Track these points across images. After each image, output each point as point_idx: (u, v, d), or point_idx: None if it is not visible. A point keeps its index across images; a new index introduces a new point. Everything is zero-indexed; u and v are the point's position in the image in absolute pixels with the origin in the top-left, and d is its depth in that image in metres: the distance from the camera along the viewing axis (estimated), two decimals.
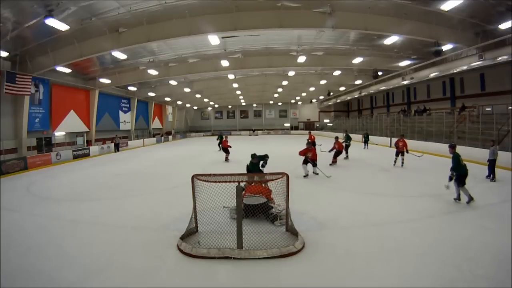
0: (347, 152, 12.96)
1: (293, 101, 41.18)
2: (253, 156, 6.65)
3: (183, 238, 3.99)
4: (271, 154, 7.41)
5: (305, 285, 3.00)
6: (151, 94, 26.05)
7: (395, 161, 10.72)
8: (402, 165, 10.41)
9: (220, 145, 15.50)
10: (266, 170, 6.74)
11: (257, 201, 4.96)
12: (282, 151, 16.50)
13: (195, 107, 43.20)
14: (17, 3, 8.51)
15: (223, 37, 12.95)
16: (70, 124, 18.87)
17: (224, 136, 15.95)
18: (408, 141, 16.56)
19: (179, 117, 41.27)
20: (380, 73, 18.98)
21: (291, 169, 7.69)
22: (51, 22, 8.79)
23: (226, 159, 13.29)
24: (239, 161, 11.85)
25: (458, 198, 5.83)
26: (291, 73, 20.59)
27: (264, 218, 4.86)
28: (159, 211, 5.62)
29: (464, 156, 11.35)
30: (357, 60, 15.72)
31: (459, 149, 11.96)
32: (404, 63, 16.83)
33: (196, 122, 45.74)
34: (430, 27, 11.17)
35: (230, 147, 13.67)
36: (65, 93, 18.21)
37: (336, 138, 11.32)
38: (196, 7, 10.10)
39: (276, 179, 4.14)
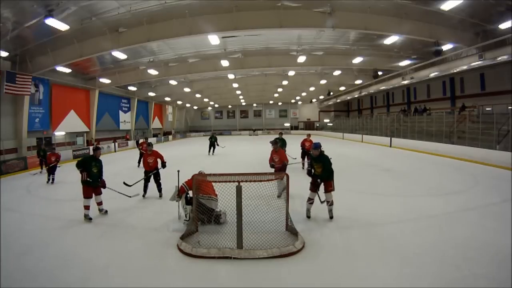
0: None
1: (293, 101, 41.20)
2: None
3: (183, 238, 3.98)
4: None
5: (305, 285, 2.99)
6: (151, 94, 26.07)
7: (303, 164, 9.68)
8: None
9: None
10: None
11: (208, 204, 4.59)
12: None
13: (195, 107, 43.25)
14: (17, 3, 8.52)
15: (223, 37, 12.96)
16: (70, 124, 18.89)
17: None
18: (408, 141, 16.81)
19: (179, 117, 41.30)
20: (380, 73, 19.00)
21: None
22: (51, 22, 8.80)
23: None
24: (239, 161, 11.87)
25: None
26: (291, 73, 20.60)
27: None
28: (159, 211, 5.61)
29: (464, 156, 11.48)
30: (357, 60, 15.73)
31: (459, 148, 12.08)
32: (404, 63, 16.83)
33: (196, 122, 45.79)
34: (430, 27, 11.18)
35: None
36: (65, 93, 18.23)
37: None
38: (196, 7, 10.11)
39: (276, 179, 4.15)
